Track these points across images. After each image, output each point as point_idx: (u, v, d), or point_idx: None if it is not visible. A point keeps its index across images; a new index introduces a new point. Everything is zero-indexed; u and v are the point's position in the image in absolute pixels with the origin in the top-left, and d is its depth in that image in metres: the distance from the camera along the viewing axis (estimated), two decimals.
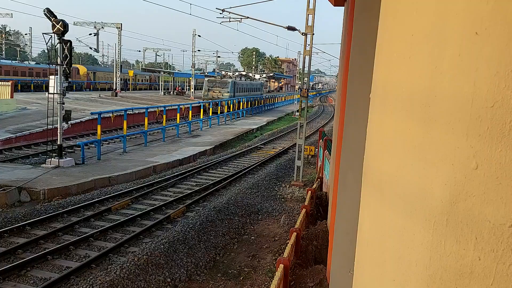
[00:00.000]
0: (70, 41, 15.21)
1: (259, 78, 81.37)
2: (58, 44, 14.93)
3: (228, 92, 40.79)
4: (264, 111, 48.97)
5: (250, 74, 69.14)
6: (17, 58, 58.38)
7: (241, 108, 39.73)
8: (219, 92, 40.87)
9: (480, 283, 1.31)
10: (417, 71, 1.48)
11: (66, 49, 15.11)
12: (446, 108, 1.37)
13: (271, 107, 54.14)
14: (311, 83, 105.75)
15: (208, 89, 41.78)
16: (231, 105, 37.09)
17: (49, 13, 14.86)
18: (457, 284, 1.35)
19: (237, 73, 78.58)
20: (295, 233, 7.36)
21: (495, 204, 1.28)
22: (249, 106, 43.22)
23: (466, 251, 1.33)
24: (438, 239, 1.39)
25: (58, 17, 15.00)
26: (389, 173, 1.59)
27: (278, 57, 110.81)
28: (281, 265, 5.87)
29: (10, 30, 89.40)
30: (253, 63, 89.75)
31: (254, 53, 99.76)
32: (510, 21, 1.23)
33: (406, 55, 1.52)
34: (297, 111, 26.54)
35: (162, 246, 8.34)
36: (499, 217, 1.27)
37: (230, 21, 20.00)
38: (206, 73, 66.22)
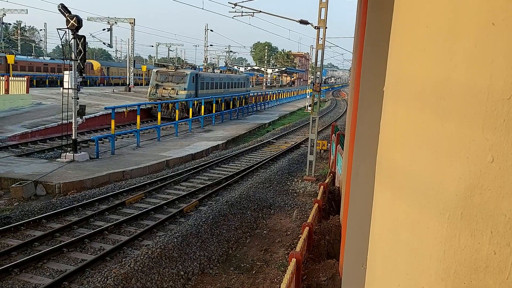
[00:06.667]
0: (84, 37, 15.34)
1: (271, 73, 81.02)
2: (72, 39, 15.08)
3: (185, 89, 28.85)
4: (256, 112, 38.59)
5: (234, 67, 60.54)
6: (32, 54, 59.13)
7: (212, 112, 28.80)
8: (172, 89, 28.82)
9: (496, 277, 1.30)
10: (431, 63, 1.46)
11: (80, 45, 15.25)
12: (461, 100, 1.35)
13: (263, 106, 42.76)
14: (324, 78, 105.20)
15: (157, 84, 29.31)
16: (190, 108, 25.61)
17: (63, 9, 15.00)
18: (472, 278, 1.33)
19: (249, 68, 78.30)
20: (307, 228, 7.36)
21: (511, 197, 1.26)
22: (228, 108, 33.15)
23: (481, 245, 1.32)
24: (452, 232, 1.38)
25: (72, 13, 15.14)
26: (403, 166, 1.58)
27: (290, 51, 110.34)
28: (294, 259, 5.87)
29: (25, 26, 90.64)
30: (265, 57, 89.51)
31: (266, 47, 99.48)
32: None
33: (420, 47, 1.50)
34: (309, 105, 26.39)
35: (175, 240, 8.41)
36: None
37: (242, 15, 19.99)
38: (215, 67, 50.80)
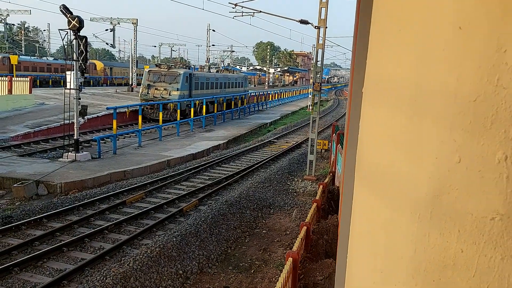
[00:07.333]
0: (85, 37, 15.41)
1: (273, 72, 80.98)
2: (74, 40, 15.16)
3: (178, 89, 27.54)
4: (258, 112, 38.04)
5: (236, 67, 58.72)
6: (36, 54, 59.37)
7: (214, 112, 28.64)
8: (165, 89, 27.52)
9: (463, 275, 1.33)
10: (404, 65, 1.50)
11: (81, 45, 15.32)
12: (432, 102, 1.38)
13: (265, 106, 42.59)
14: (326, 77, 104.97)
15: (149, 85, 27.92)
16: (179, 110, 24.47)
17: (65, 10, 15.08)
18: (441, 276, 1.37)
19: (251, 68, 78.25)
20: (305, 227, 7.38)
21: (477, 197, 1.29)
22: (224, 109, 32.16)
23: (449, 243, 1.35)
24: (422, 232, 1.41)
25: (75, 14, 15.22)
26: (378, 166, 1.62)
27: (293, 50, 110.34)
28: (290, 259, 5.90)
29: (29, 26, 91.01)
30: (268, 57, 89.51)
31: (268, 47, 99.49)
32: (493, 15, 1.24)
33: (394, 50, 1.53)
34: (311, 105, 26.41)
35: (174, 239, 8.46)
36: (481, 210, 1.29)
37: (242, 15, 20.03)
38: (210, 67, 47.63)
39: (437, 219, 1.35)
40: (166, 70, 28.60)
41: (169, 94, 27.25)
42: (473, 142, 1.27)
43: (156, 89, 27.70)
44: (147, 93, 27.77)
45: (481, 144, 1.26)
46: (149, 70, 29.17)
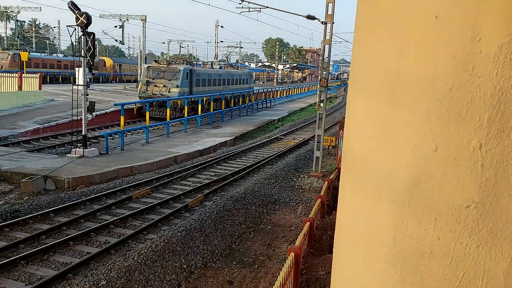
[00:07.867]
0: (93, 34, 15.52)
1: (282, 69, 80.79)
2: (82, 36, 15.28)
3: (178, 86, 26.36)
4: (266, 109, 37.70)
5: (245, 63, 58.79)
6: (46, 51, 59.87)
7: (217, 109, 28.10)
8: (164, 86, 26.29)
9: (439, 263, 1.34)
10: (385, 55, 1.51)
11: (89, 41, 15.43)
12: (409, 91, 1.39)
13: (273, 103, 42.49)
14: (336, 73, 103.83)
15: (148, 81, 26.78)
16: (183, 108, 24.55)
17: (73, 6, 15.19)
18: (418, 264, 1.38)
19: (260, 64, 78.13)
20: (308, 223, 7.40)
21: (453, 185, 1.30)
22: (227, 107, 30.95)
23: (426, 231, 1.36)
24: (401, 220, 1.42)
25: (83, 10, 15.33)
26: (360, 156, 1.63)
27: (302, 47, 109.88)
28: (292, 253, 5.93)
29: (40, 23, 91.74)
30: (277, 53, 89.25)
31: (277, 43, 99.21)
32: (467, 5, 1.25)
33: (376, 40, 1.54)
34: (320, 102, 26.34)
35: (179, 234, 8.52)
36: (457, 198, 1.30)
37: (249, 11, 20.01)
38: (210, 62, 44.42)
39: (414, 208, 1.36)
40: (166, 66, 27.38)
41: (169, 91, 26.08)
42: (449, 131, 1.28)
43: (155, 86, 26.51)
44: (146, 90, 26.63)
45: (456, 133, 1.27)
46: (148, 66, 28.06)
